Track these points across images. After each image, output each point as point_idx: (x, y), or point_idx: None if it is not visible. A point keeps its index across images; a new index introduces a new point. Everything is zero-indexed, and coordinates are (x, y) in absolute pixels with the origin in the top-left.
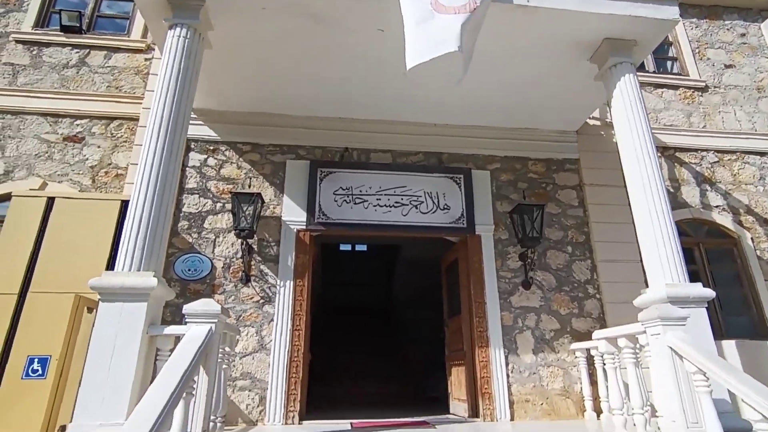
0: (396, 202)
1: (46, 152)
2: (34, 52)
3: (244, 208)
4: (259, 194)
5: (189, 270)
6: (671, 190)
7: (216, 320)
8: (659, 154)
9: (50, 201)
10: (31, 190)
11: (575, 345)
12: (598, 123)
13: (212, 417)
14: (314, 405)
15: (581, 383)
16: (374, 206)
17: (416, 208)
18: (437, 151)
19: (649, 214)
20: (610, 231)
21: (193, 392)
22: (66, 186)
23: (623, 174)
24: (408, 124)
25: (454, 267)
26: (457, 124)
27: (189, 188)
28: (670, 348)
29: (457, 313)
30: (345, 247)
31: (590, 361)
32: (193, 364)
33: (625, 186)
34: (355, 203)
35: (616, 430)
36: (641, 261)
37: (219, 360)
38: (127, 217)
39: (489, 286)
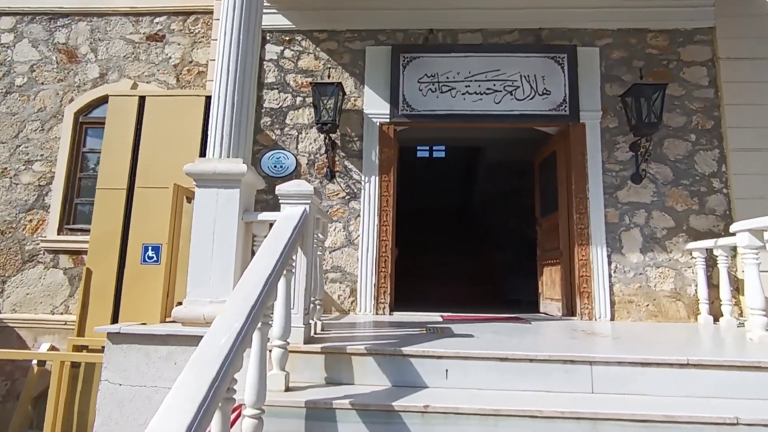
0: (487, 89)
1: (133, 53)
2: None
3: (325, 101)
4: (339, 84)
5: (275, 166)
6: None
7: (309, 201)
8: None
9: (142, 100)
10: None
11: (694, 244)
12: None
13: (312, 298)
14: (400, 300)
15: (696, 285)
16: (463, 94)
17: (511, 94)
18: (535, 27)
19: None
20: (748, 114)
21: (293, 270)
22: (154, 86)
23: None
24: None
25: (551, 162)
26: None
27: (268, 83)
28: None
29: (553, 210)
30: (422, 153)
31: (709, 262)
32: (291, 241)
33: None
34: (442, 92)
35: (754, 331)
36: None
37: (314, 246)
38: (212, 107)
39: (593, 179)
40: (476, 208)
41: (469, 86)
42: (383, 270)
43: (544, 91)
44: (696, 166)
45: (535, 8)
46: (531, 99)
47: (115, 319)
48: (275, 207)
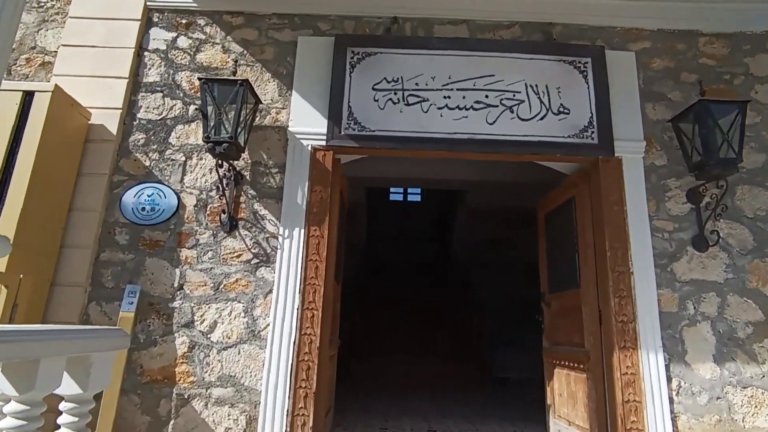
0: (477, 102)
1: None
2: None
3: (223, 108)
4: (246, 82)
5: (143, 209)
6: None
7: None
8: None
9: None
10: None
11: None
12: None
13: None
14: (355, 389)
15: None
16: (440, 108)
17: (511, 111)
18: (543, 20)
19: None
20: None
21: None
22: None
23: None
24: None
25: (565, 213)
26: None
27: (148, 83)
28: None
29: (570, 286)
30: (396, 196)
31: None
32: None
33: None
34: (408, 103)
35: None
36: None
37: None
38: None
39: (637, 244)
40: (457, 264)
41: (449, 97)
42: (303, 385)
43: (561, 109)
44: None
45: None
46: (542, 119)
47: None
48: (135, 274)
